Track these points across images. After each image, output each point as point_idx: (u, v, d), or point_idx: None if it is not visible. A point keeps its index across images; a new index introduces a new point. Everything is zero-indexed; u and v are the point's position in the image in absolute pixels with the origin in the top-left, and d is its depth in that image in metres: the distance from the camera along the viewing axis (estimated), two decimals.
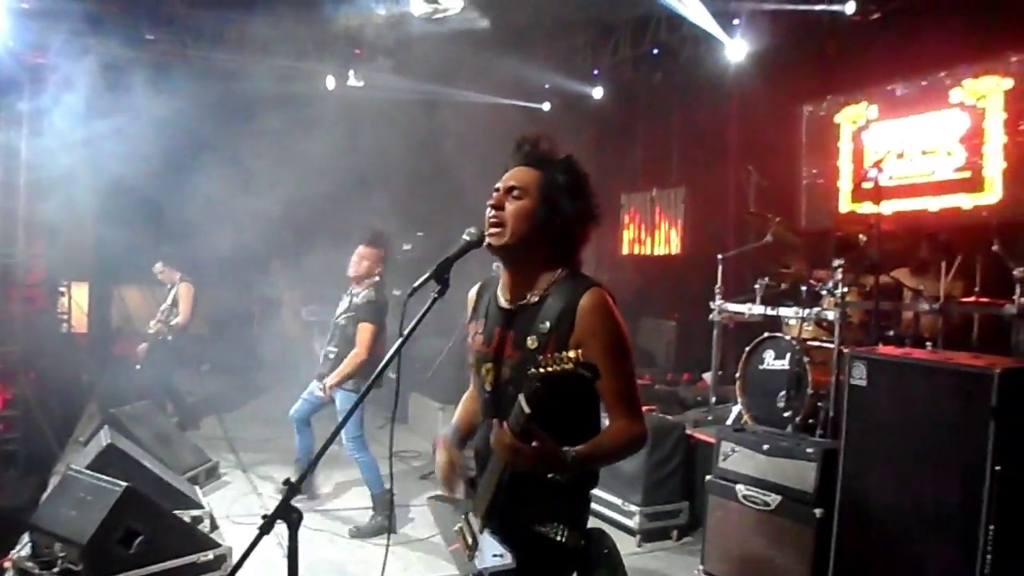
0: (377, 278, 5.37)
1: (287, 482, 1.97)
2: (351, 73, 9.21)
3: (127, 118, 7.68)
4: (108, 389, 7.77)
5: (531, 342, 2.11)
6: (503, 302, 2.26)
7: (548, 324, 2.10)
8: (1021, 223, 5.72)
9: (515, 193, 2.16)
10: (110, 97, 7.98)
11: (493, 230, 2.15)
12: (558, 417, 1.97)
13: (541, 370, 1.82)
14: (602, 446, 2.09)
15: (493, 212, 2.16)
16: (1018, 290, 4.59)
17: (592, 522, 2.32)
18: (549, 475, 2.02)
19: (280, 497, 1.97)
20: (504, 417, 1.98)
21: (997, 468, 3.32)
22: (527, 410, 1.87)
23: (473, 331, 2.34)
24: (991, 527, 3.32)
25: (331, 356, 5.37)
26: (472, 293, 2.43)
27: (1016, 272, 4.60)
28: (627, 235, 10.28)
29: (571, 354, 1.80)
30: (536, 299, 2.17)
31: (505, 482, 2.10)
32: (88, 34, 7.93)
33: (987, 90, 6.07)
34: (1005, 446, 3.33)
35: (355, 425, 5.23)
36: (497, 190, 2.20)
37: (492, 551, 2.12)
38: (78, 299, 9.90)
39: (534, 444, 1.93)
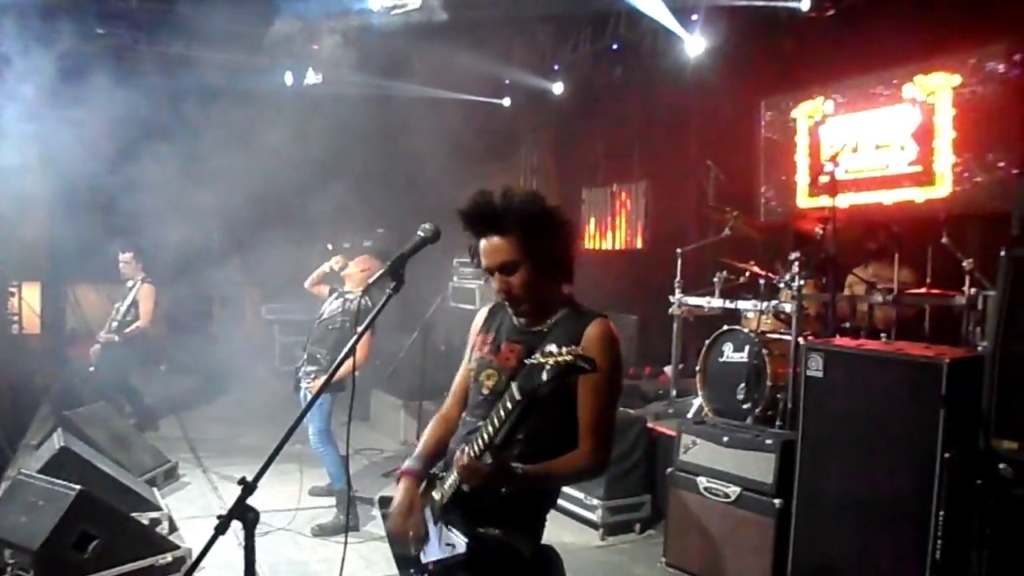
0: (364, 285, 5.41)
1: (243, 481, 1.96)
2: (309, 69, 9.12)
3: (79, 113, 7.51)
4: (62, 391, 7.60)
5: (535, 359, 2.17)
6: (516, 322, 2.37)
7: (555, 347, 2.15)
8: (969, 217, 5.86)
9: (507, 269, 2.25)
10: (61, 91, 7.79)
11: (513, 307, 2.32)
12: (542, 413, 2.08)
13: (541, 360, 1.90)
14: (555, 468, 2.17)
15: (505, 296, 2.29)
16: (967, 282, 4.71)
17: (554, 517, 2.35)
18: (502, 489, 2.09)
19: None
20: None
21: (947, 455, 3.40)
22: (518, 397, 1.94)
23: (481, 341, 2.43)
24: (941, 513, 3.40)
25: (318, 357, 5.35)
26: (484, 311, 2.54)
27: (964, 264, 4.72)
28: (588, 230, 10.32)
29: (570, 348, 1.89)
30: (546, 328, 2.29)
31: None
32: (38, 27, 7.73)
33: (936, 86, 6.20)
34: (954, 434, 3.42)
35: (321, 418, 5.22)
36: (489, 271, 2.28)
37: (445, 541, 2.14)
38: (29, 299, 9.67)
39: (488, 462, 2.02)
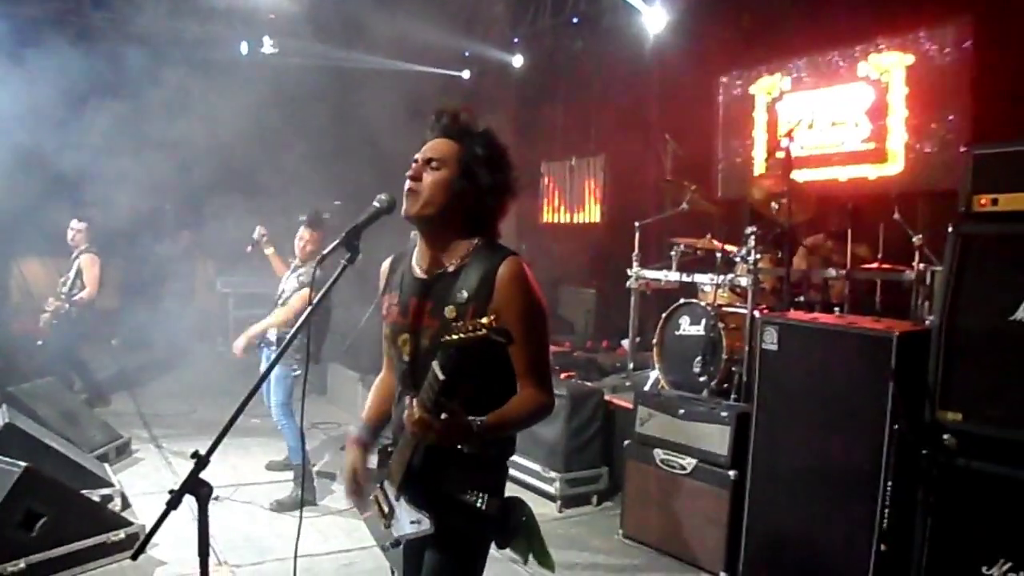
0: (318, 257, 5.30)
1: (195, 455, 1.92)
2: (265, 39, 8.93)
3: (25, 80, 7.24)
4: (7, 366, 7.39)
5: (449, 312, 2.11)
6: (419, 272, 2.25)
7: (466, 294, 2.10)
8: (920, 194, 5.98)
9: (433, 164, 2.17)
10: (5, 57, 7.49)
11: (410, 202, 2.16)
12: (473, 382, 1.98)
13: (455, 337, 1.83)
14: (508, 415, 2.11)
15: (411, 183, 2.17)
16: (916, 257, 4.81)
17: (513, 489, 2.33)
18: (459, 446, 2.04)
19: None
20: (421, 387, 1.98)
21: (895, 427, 3.48)
22: (441, 377, 1.88)
23: (388, 303, 2.32)
24: (889, 483, 3.49)
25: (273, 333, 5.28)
26: (385, 266, 2.41)
27: (914, 240, 4.82)
28: (546, 204, 10.31)
29: (484, 320, 1.82)
30: (452, 268, 2.18)
31: (420, 451, 2.11)
32: None
33: (890, 65, 6.29)
34: (903, 406, 3.49)
35: (284, 391, 5.18)
36: (416, 161, 2.20)
37: (409, 518, 2.13)
38: None
39: (443, 417, 1.94)
